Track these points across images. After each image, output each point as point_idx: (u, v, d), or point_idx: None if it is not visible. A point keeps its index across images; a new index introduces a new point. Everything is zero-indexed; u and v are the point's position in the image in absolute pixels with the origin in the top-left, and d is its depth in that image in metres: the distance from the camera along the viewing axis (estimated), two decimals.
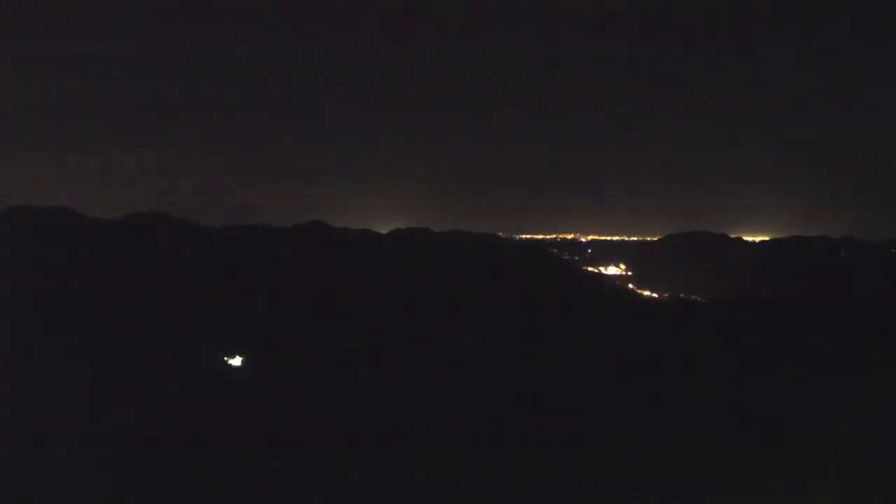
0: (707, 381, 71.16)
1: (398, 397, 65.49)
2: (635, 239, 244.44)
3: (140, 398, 62.22)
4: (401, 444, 56.48)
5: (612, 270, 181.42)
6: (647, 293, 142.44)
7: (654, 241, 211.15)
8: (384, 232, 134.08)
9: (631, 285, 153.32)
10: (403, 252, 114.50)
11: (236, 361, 73.90)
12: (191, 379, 66.94)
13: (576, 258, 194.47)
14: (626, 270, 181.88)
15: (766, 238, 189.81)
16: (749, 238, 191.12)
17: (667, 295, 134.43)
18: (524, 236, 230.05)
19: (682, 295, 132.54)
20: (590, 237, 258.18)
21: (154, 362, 69.24)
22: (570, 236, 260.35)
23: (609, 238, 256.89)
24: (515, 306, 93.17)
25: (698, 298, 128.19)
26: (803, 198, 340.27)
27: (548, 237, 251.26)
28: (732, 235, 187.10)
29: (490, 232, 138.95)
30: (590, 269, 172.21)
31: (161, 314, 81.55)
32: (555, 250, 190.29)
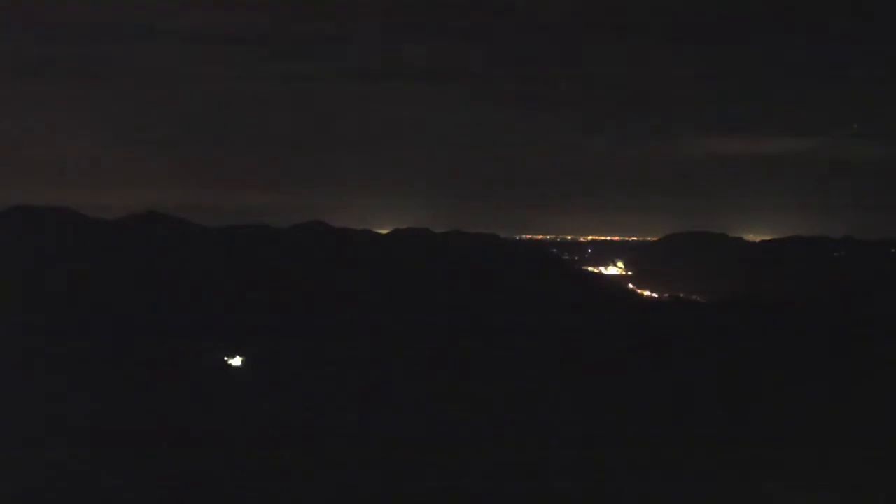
0: (707, 380, 71.12)
1: (398, 397, 65.50)
2: (635, 239, 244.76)
3: (140, 398, 62.19)
4: (401, 443, 56.51)
5: (612, 270, 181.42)
6: (647, 293, 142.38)
7: (654, 241, 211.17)
8: (384, 232, 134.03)
9: (631, 285, 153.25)
10: (403, 252, 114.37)
11: (236, 361, 73.88)
12: (191, 379, 66.93)
13: (576, 258, 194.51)
14: (626, 270, 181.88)
15: (766, 238, 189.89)
16: (749, 238, 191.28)
17: (667, 295, 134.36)
18: (524, 236, 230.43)
19: (682, 295, 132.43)
20: (590, 237, 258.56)
21: (154, 362, 69.19)
22: (569, 236, 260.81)
23: (609, 238, 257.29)
24: (515, 306, 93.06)
25: (698, 298, 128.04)
26: (803, 198, 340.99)
27: (548, 237, 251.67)
28: (732, 235, 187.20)
29: (490, 232, 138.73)
30: (590, 269, 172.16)
31: (161, 314, 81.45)
32: (555, 250, 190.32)
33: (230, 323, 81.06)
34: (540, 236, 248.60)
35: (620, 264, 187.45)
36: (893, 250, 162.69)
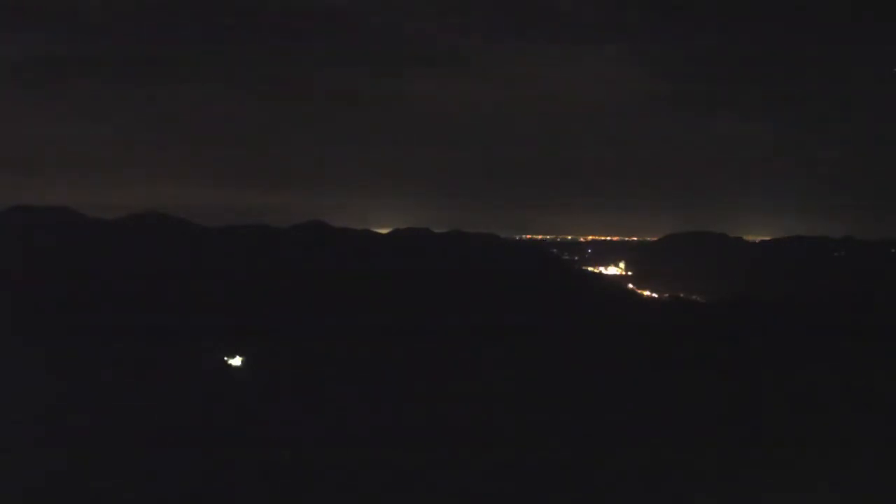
0: (707, 381, 71.13)
1: (398, 397, 65.50)
2: (635, 239, 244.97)
3: (140, 398, 62.20)
4: (400, 443, 56.52)
5: (612, 270, 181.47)
6: (647, 293, 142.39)
7: (654, 241, 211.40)
8: (384, 232, 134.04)
9: (631, 285, 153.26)
10: (403, 252, 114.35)
11: (236, 361, 73.90)
12: (191, 379, 66.94)
13: (576, 258, 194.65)
14: (626, 270, 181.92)
15: (766, 238, 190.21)
16: (749, 238, 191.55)
17: (667, 295, 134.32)
18: (524, 236, 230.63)
19: (682, 295, 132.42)
20: (590, 237, 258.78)
21: (154, 362, 69.21)
22: (569, 236, 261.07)
23: (609, 238, 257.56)
24: (515, 306, 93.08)
25: (698, 298, 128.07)
26: (803, 198, 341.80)
27: (548, 237, 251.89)
28: (732, 235, 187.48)
29: (490, 232, 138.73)
30: (590, 269, 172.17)
31: (161, 314, 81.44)
32: (555, 250, 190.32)
33: (230, 323, 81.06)
34: (540, 236, 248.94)
35: (621, 264, 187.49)
36: (893, 250, 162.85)
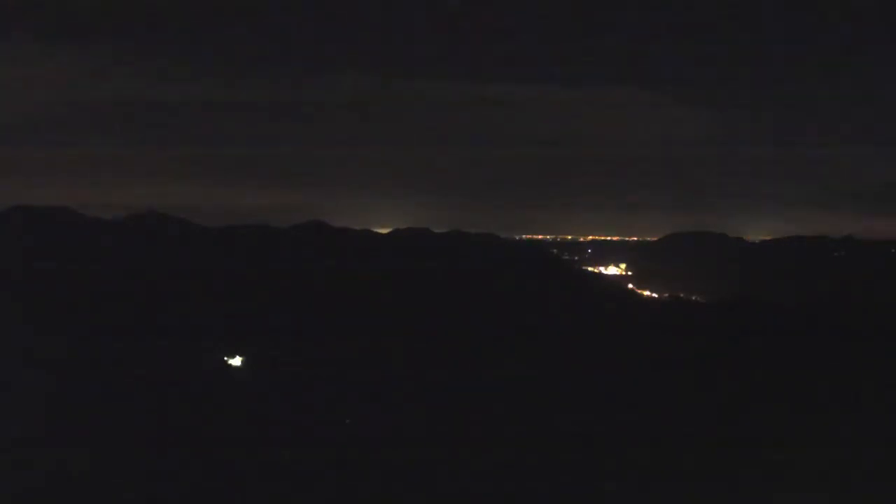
0: (706, 381, 71.14)
1: (397, 398, 65.48)
2: (635, 239, 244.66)
3: (139, 398, 62.19)
4: (400, 444, 56.52)
5: (612, 270, 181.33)
6: (647, 293, 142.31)
7: (654, 241, 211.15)
8: (384, 232, 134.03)
9: (631, 285, 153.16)
10: (403, 252, 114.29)
11: (236, 361, 73.89)
12: (191, 379, 66.92)
13: (576, 258, 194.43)
14: (626, 270, 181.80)
15: (767, 238, 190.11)
16: (749, 238, 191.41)
17: (667, 295, 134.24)
18: (524, 236, 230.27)
19: (682, 295, 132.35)
20: (590, 237, 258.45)
21: (154, 362, 69.20)
22: (569, 236, 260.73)
23: (609, 238, 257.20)
24: (515, 306, 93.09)
25: (698, 298, 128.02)
26: (803, 198, 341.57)
27: (548, 237, 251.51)
28: (732, 235, 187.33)
29: (490, 232, 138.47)
30: (590, 269, 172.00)
31: (161, 314, 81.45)
32: (555, 250, 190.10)
33: (230, 323, 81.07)
34: (540, 236, 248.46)
35: (621, 264, 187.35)
36: (893, 250, 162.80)
